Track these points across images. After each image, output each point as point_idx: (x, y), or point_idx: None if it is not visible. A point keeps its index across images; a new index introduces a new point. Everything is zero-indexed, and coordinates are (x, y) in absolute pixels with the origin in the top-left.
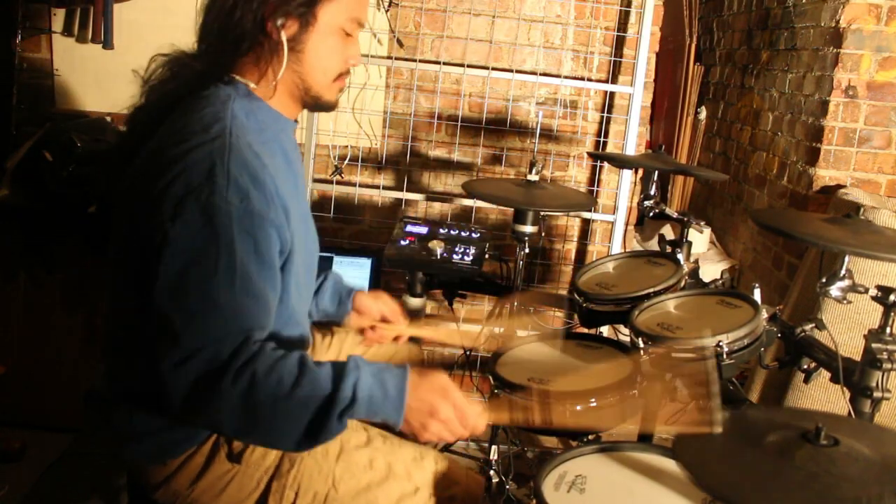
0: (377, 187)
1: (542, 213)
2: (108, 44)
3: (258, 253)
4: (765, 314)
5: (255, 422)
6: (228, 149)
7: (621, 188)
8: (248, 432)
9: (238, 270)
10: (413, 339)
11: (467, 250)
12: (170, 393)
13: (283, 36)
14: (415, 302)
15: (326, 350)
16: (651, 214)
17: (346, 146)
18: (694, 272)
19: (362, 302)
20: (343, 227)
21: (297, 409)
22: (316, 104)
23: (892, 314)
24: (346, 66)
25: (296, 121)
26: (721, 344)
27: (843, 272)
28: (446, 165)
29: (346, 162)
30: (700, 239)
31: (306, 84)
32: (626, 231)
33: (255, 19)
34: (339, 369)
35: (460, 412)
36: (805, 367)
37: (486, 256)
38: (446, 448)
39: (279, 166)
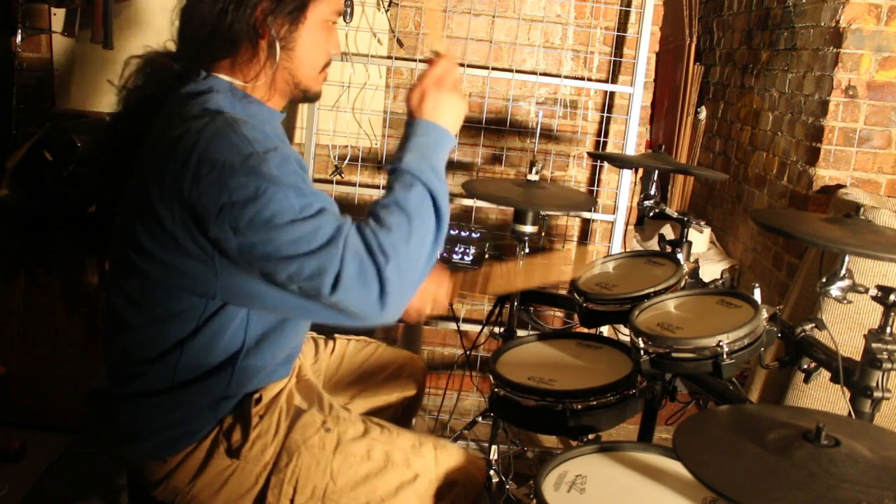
0: (377, 187)
1: (542, 213)
2: (108, 44)
3: (302, 190)
4: (765, 314)
5: (412, 229)
6: (233, 120)
7: (621, 188)
8: (422, 243)
9: (307, 192)
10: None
11: (467, 250)
12: (348, 297)
13: (276, 36)
14: None
15: (329, 355)
16: (651, 214)
17: (346, 146)
18: (694, 272)
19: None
20: None
21: (420, 196)
22: (304, 97)
23: (892, 314)
24: (329, 56)
25: (282, 111)
26: (721, 344)
27: (843, 272)
28: (446, 165)
29: (346, 162)
30: (700, 239)
31: (296, 79)
32: (626, 231)
33: (247, 22)
34: (395, 175)
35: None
36: (805, 367)
37: (486, 256)
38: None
39: None
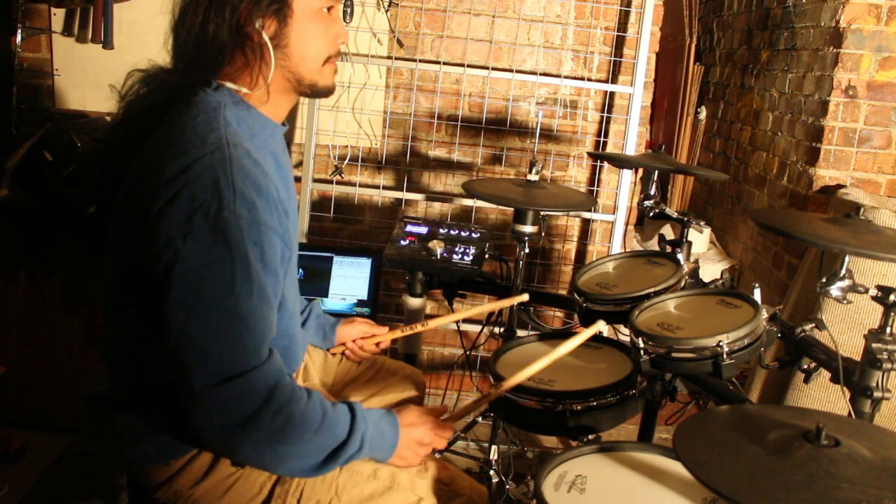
0: (377, 187)
1: (542, 213)
2: (108, 44)
3: (264, 261)
4: (765, 314)
5: (274, 455)
6: (230, 160)
7: (621, 188)
8: (258, 460)
9: (254, 279)
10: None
11: (467, 250)
12: (198, 412)
13: (265, 36)
14: (415, 302)
15: (337, 364)
16: (651, 214)
17: (346, 146)
18: (694, 272)
19: (343, 333)
20: (343, 227)
21: (314, 449)
22: (313, 91)
23: (892, 314)
24: (336, 46)
25: (284, 124)
26: (721, 344)
27: (843, 272)
28: (446, 165)
29: (346, 162)
30: (700, 239)
31: (298, 76)
32: (626, 231)
33: (231, 28)
34: (351, 418)
35: (435, 430)
36: (805, 367)
37: (486, 256)
38: (446, 449)
39: (272, 170)
